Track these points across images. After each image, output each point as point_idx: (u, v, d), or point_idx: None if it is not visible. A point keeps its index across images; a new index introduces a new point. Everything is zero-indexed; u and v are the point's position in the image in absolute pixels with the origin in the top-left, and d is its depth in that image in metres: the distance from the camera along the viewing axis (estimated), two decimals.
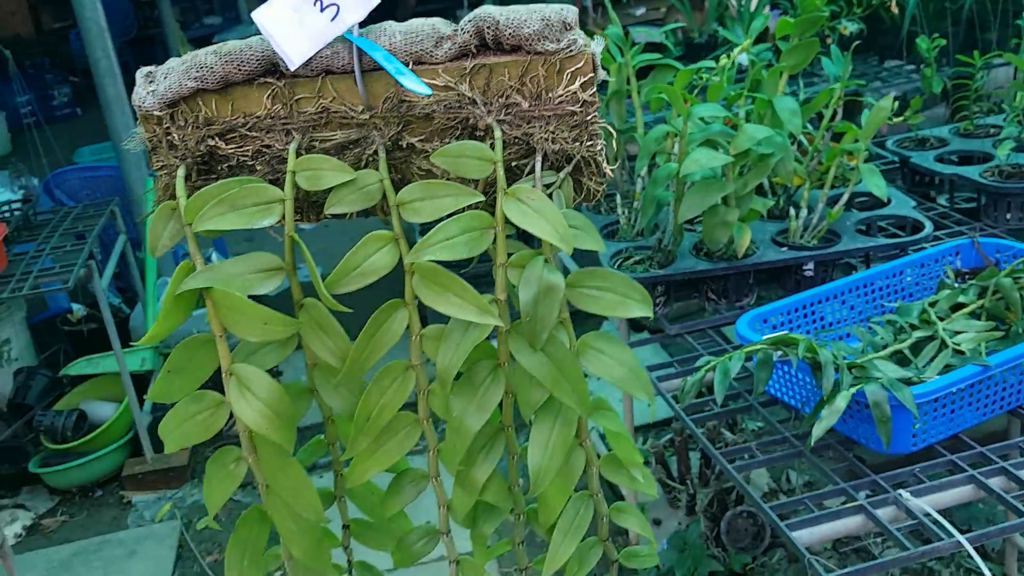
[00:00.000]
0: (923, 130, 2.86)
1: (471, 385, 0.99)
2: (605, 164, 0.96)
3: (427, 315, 1.01)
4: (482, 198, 0.93)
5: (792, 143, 2.11)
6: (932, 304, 1.87)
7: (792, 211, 2.20)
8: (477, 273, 1.01)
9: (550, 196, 0.93)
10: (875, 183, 2.12)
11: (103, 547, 3.33)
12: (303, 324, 0.96)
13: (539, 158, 0.93)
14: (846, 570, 1.45)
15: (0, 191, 4.69)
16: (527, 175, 0.95)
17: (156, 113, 0.90)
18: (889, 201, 2.35)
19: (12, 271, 3.34)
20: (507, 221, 0.92)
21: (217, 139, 0.92)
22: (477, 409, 0.99)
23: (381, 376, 0.99)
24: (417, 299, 0.95)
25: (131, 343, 4.08)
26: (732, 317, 2.23)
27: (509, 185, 0.92)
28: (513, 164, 0.96)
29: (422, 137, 0.93)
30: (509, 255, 0.94)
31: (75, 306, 4.43)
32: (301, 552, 1.02)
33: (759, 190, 2.24)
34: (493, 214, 0.92)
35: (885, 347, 1.81)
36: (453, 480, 1.07)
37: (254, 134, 0.92)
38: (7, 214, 3.91)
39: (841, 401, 1.58)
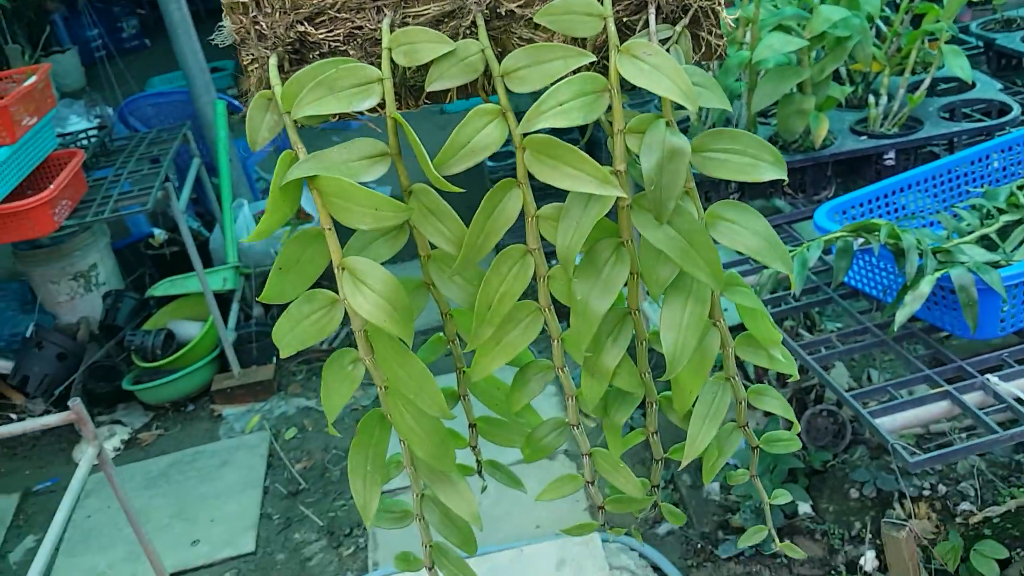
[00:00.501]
0: (1009, 10, 2.71)
1: (594, 266, 0.93)
2: (725, 15, 0.89)
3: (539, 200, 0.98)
4: (594, 58, 0.86)
5: (870, 27, 2.02)
6: (1021, 187, 1.80)
7: (871, 98, 2.12)
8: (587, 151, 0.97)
9: (667, 51, 0.85)
10: (959, 65, 2.02)
11: (197, 458, 3.48)
12: (414, 210, 0.91)
13: (652, 10, 0.87)
14: (932, 453, 1.43)
15: (76, 120, 4.79)
16: (640, 32, 0.88)
17: (242, 1, 0.88)
18: (974, 85, 2.25)
19: (93, 196, 3.43)
20: (623, 82, 0.85)
21: (306, 24, 0.89)
22: (602, 291, 0.93)
23: (498, 263, 0.94)
24: (531, 177, 0.89)
25: (212, 264, 4.19)
26: (809, 212, 2.18)
27: (622, 43, 0.85)
28: (624, 20, 0.88)
29: (521, 2, 0.89)
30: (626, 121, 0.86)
31: (156, 231, 4.54)
32: (425, 452, 0.98)
33: (836, 77, 2.16)
34: (606, 76, 0.85)
35: (971, 232, 1.75)
36: (581, 370, 1.02)
37: (344, 15, 0.89)
38: (84, 141, 4.00)
39: (925, 286, 1.54)
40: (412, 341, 0.93)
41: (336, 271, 0.90)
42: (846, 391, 1.58)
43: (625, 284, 0.96)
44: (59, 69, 8.19)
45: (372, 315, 0.88)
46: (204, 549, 3.02)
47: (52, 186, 3.20)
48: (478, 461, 1.19)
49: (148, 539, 2.39)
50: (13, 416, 3.94)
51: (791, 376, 1.10)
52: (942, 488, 2.48)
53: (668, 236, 0.89)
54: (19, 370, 3.88)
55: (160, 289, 3.93)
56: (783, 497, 1.24)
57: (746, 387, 1.06)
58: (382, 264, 0.91)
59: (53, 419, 2.21)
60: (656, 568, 2.50)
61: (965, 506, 2.41)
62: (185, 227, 3.62)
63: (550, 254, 0.96)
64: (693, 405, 1.03)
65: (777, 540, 1.23)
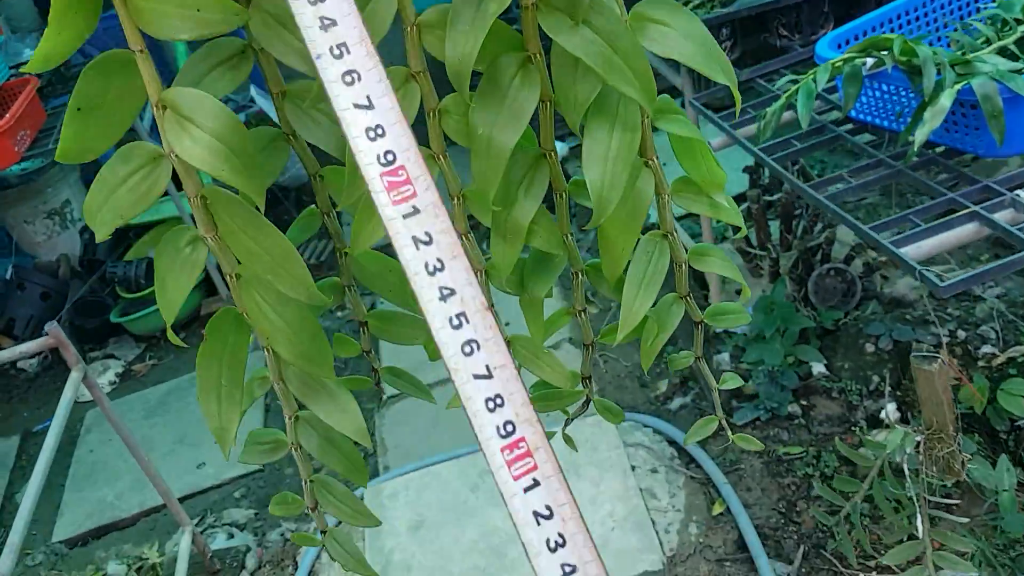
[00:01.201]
0: None
1: (496, 89, 0.73)
2: None
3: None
4: None
5: None
6: None
7: None
8: None
9: None
10: None
11: (194, 383, 3.35)
12: (255, 19, 0.70)
13: None
14: (963, 275, 1.33)
15: (30, 53, 4.57)
16: None
17: None
18: None
19: (53, 124, 3.27)
20: None
21: None
22: (508, 120, 0.73)
23: None
24: None
25: None
26: (807, 53, 2.04)
27: None
28: None
29: None
30: None
31: None
32: (292, 352, 0.78)
33: None
34: None
35: (988, 46, 1.62)
36: (490, 234, 0.82)
37: None
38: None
39: (946, 99, 1.42)
40: (263, 204, 0.72)
41: (156, 112, 0.69)
42: (853, 247, 1.47)
43: (535, 118, 0.75)
44: (12, 12, 7.88)
45: (205, 162, 0.68)
46: (211, 471, 2.96)
47: (7, 115, 3.04)
48: (375, 370, 1.01)
49: (150, 462, 2.32)
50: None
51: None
52: (961, 334, 2.41)
53: (586, 40, 0.70)
54: (3, 314, 3.77)
55: (136, 217, 3.79)
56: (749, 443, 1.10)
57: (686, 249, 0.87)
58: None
59: (31, 346, 2.11)
60: (672, 442, 2.44)
61: (987, 349, 2.33)
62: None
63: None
64: (625, 270, 0.84)
65: (730, 433, 1.09)
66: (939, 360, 1.45)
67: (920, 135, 1.41)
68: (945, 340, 2.36)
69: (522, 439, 0.61)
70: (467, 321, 0.61)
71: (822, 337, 2.58)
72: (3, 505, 3.07)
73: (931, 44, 1.76)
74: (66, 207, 4.10)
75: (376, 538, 2.33)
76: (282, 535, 2.60)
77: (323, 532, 0.99)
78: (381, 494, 2.47)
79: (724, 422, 1.03)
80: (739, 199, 3.31)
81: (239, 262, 0.76)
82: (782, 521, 2.09)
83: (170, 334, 0.79)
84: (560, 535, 0.60)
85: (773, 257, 2.75)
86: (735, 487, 2.22)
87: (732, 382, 1.02)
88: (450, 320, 0.61)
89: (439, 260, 0.62)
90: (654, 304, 0.87)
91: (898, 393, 2.30)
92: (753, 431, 2.38)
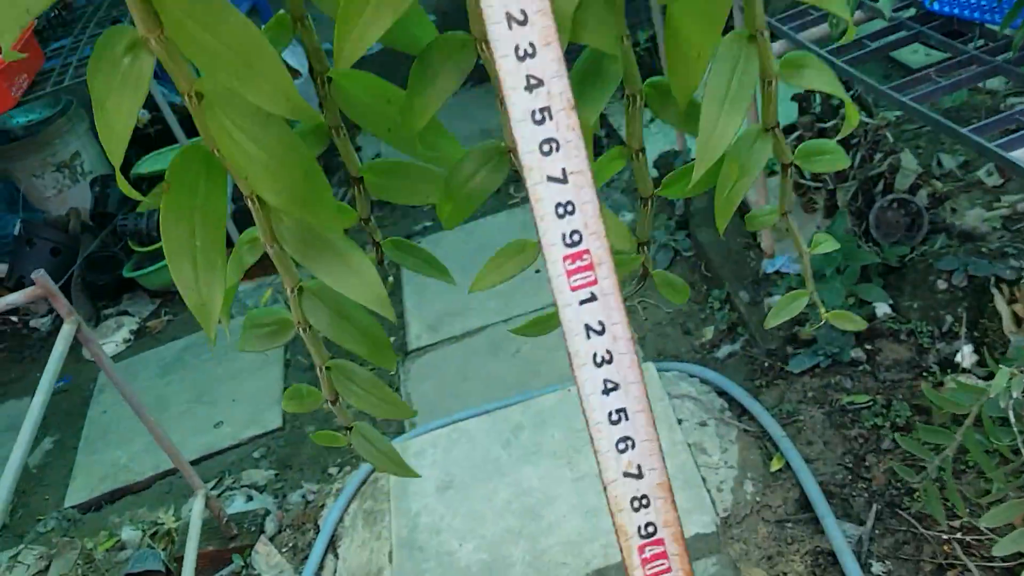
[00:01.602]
0: None
1: None
2: None
3: None
4: None
5: None
6: None
7: None
8: None
9: None
10: None
11: None
12: None
13: None
14: None
15: None
16: None
17: None
18: None
19: (51, 66, 3.08)
20: None
21: None
22: None
23: None
24: None
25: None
26: None
27: None
28: None
29: None
30: None
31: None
32: (279, 192, 0.60)
33: None
34: None
35: None
36: None
37: None
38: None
39: None
40: None
41: None
42: (917, 176, 1.24)
43: None
44: None
45: None
46: (228, 430, 2.80)
47: (2, 58, 2.86)
48: (377, 245, 0.81)
49: (157, 425, 2.15)
50: (15, 319, 3.71)
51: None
52: None
53: None
54: (13, 271, 3.62)
55: (145, 165, 3.62)
56: (848, 322, 0.90)
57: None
58: None
59: (18, 297, 1.94)
60: (721, 392, 2.23)
61: None
62: (163, 99, 3.28)
63: None
64: (703, 81, 0.64)
65: (822, 309, 0.88)
66: None
67: (1019, 36, 1.17)
68: None
69: (587, 251, 0.57)
70: (550, 117, 0.55)
71: (885, 275, 2.35)
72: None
73: None
74: (76, 159, 3.92)
75: (402, 499, 2.16)
76: (303, 497, 2.44)
77: (348, 429, 0.85)
78: (407, 452, 2.29)
79: (815, 297, 0.83)
80: (789, 129, 3.06)
81: (198, 74, 0.57)
82: (849, 477, 1.88)
83: (120, 182, 0.62)
84: (608, 352, 0.59)
85: (829, 189, 2.51)
86: (794, 440, 2.01)
87: (827, 245, 0.83)
88: (532, 114, 0.55)
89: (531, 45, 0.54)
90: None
91: (975, 334, 2.07)
92: (812, 379, 2.17)
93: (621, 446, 0.61)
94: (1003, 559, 1.54)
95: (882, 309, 2.26)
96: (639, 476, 0.60)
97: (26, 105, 4.11)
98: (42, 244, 3.63)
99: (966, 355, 2.05)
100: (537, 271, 2.17)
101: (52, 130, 3.83)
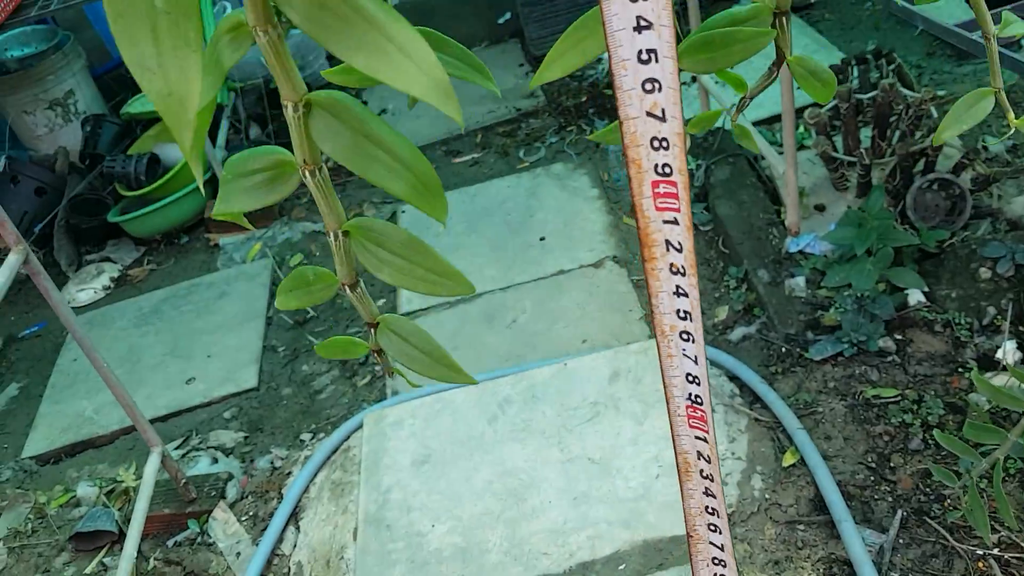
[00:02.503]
0: None
1: None
2: None
3: None
4: None
5: None
6: None
7: None
8: None
9: None
10: None
11: (193, 291, 3.05)
12: None
13: None
14: None
15: None
16: None
17: None
18: None
19: None
20: None
21: None
22: None
23: None
24: None
25: None
26: None
27: None
28: None
29: None
30: None
31: None
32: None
33: None
34: None
35: None
36: None
37: None
38: None
39: None
40: None
41: None
42: (957, 162, 1.02)
43: None
44: None
45: None
46: (200, 387, 2.62)
47: None
48: None
49: (111, 373, 1.96)
50: None
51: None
52: None
53: None
54: None
55: (137, 105, 3.44)
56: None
57: None
58: None
59: None
60: (732, 377, 2.02)
61: None
62: None
63: None
64: None
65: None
66: None
67: None
68: None
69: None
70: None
71: (920, 261, 2.13)
72: None
73: None
74: (69, 97, 3.74)
75: (374, 471, 1.96)
76: (271, 463, 2.25)
77: (372, 326, 0.66)
78: (383, 421, 2.09)
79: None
80: (818, 105, 2.84)
81: None
82: (872, 479, 1.68)
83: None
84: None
85: (864, 165, 2.29)
86: (811, 434, 1.81)
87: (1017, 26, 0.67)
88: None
89: None
90: None
91: (1021, 329, 1.86)
92: (834, 369, 1.96)
93: (648, 86, 0.57)
94: None
95: (916, 297, 2.05)
96: (662, 119, 0.58)
97: (22, 39, 3.94)
98: (27, 182, 3.45)
99: (1009, 351, 1.84)
100: (542, 238, 1.96)
101: (46, 65, 3.64)
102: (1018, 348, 1.83)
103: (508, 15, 4.07)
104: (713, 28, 0.63)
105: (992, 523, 1.46)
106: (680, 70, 0.58)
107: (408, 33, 0.42)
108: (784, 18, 0.64)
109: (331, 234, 0.56)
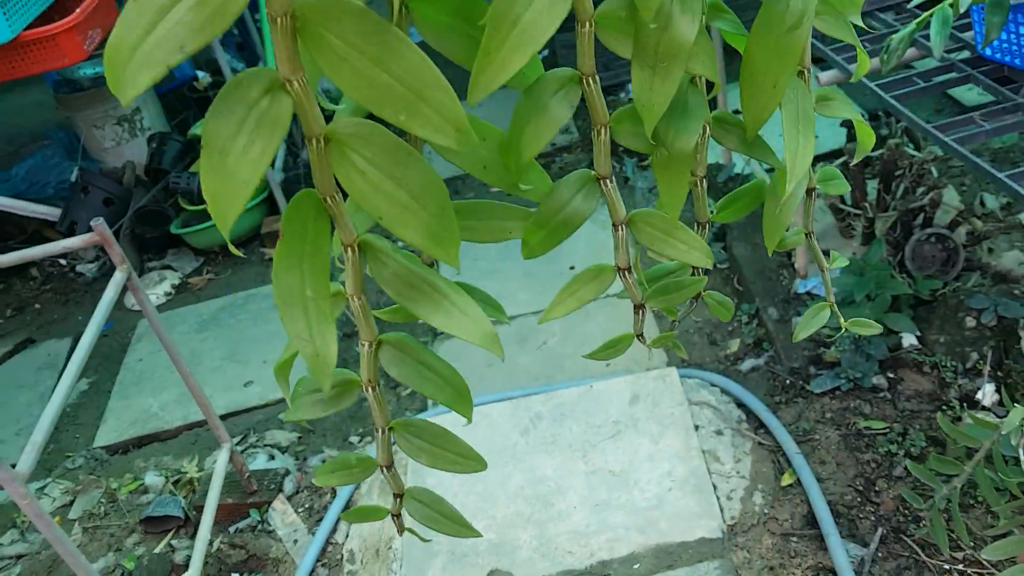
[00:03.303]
0: None
1: None
2: None
3: None
4: None
5: None
6: None
7: None
8: None
9: None
10: None
11: (249, 301, 3.33)
12: None
13: None
14: None
15: None
16: None
17: None
18: None
19: None
20: None
21: None
22: None
23: None
24: None
25: None
26: None
27: None
28: None
29: None
30: None
31: (200, 73, 4.31)
32: (417, 230, 0.60)
33: None
34: None
35: None
36: (631, 69, 0.64)
37: None
38: None
39: None
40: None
41: None
42: (955, 216, 1.27)
43: None
44: None
45: None
46: (257, 390, 2.88)
47: (78, 10, 2.96)
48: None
49: (191, 376, 2.23)
50: (63, 262, 3.83)
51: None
52: None
53: None
54: (67, 216, 3.74)
55: (199, 128, 3.71)
56: (867, 328, 0.92)
57: None
58: None
59: (75, 241, 2.01)
60: (740, 404, 2.27)
61: None
62: (227, 66, 3.37)
63: None
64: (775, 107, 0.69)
65: (841, 319, 0.92)
66: None
67: None
68: None
69: None
70: None
71: (915, 307, 2.37)
72: None
73: None
74: (136, 115, 4.03)
75: (419, 472, 2.22)
76: (323, 461, 2.51)
77: (398, 496, 0.79)
78: None
79: (834, 308, 0.88)
80: (834, 155, 3.08)
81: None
82: (858, 500, 1.91)
83: (227, 241, 0.57)
84: None
85: (869, 217, 2.53)
86: (807, 458, 2.05)
87: (839, 261, 0.89)
88: None
89: None
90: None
91: (999, 374, 2.09)
92: (832, 401, 2.20)
93: None
94: None
95: (909, 340, 2.29)
96: None
97: (96, 58, 4.24)
98: (96, 193, 3.74)
99: (987, 393, 2.07)
100: (571, 267, 2.28)
101: None
102: (996, 391, 2.06)
103: (547, 51, 4.33)
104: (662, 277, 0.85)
105: (959, 541, 1.69)
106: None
107: (464, 298, 0.66)
108: (606, 182, 0.81)
109: (379, 429, 0.73)
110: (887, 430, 2.06)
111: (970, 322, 2.23)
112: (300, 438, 2.66)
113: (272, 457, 2.59)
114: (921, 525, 1.79)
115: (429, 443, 0.76)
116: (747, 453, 2.10)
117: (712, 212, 0.82)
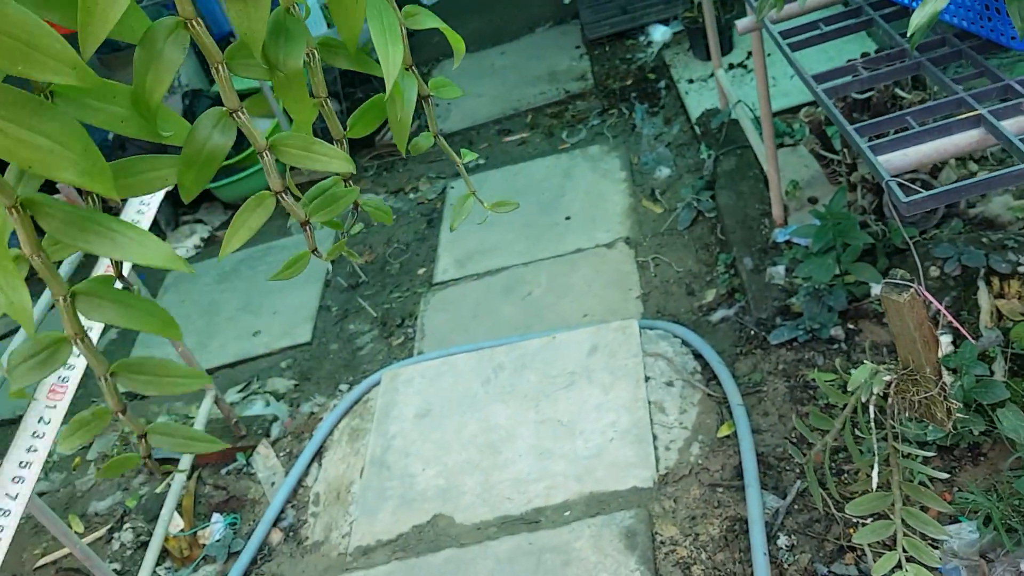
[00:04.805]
0: None
1: None
2: None
3: None
4: None
5: None
6: None
7: None
8: None
9: None
10: None
11: (267, 253, 3.47)
12: None
13: None
14: (933, 191, 1.10)
15: None
16: None
17: None
18: None
19: None
20: None
21: None
22: None
23: None
24: None
25: None
26: None
27: None
28: None
29: None
30: None
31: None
32: (68, 171, 0.68)
33: None
34: None
35: None
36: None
37: None
38: None
39: None
40: None
41: None
42: (853, 127, 1.25)
43: None
44: None
45: None
46: (264, 339, 3.03)
47: None
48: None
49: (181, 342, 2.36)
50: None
51: None
52: None
53: None
54: None
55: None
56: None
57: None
58: None
59: None
60: (698, 356, 2.27)
61: None
62: None
63: None
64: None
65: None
66: (911, 290, 1.23)
67: (917, 19, 1.16)
68: (1022, 270, 2.05)
69: None
70: None
71: (891, 255, 2.31)
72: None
73: None
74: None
75: (383, 421, 2.32)
76: (311, 409, 2.64)
77: (142, 437, 0.84)
78: (397, 379, 2.44)
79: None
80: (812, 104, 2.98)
81: None
82: (789, 453, 1.91)
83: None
84: None
85: (848, 164, 2.46)
86: (753, 410, 2.05)
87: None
88: None
89: None
90: None
91: (955, 324, 2.03)
92: (788, 352, 2.18)
93: None
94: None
95: (876, 290, 2.23)
96: None
97: None
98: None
99: (943, 345, 2.02)
100: (567, 218, 2.34)
101: None
102: (951, 343, 2.01)
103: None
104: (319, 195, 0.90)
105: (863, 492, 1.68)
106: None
107: (140, 231, 0.71)
108: (238, 114, 0.85)
109: (101, 378, 0.80)
110: (833, 382, 2.03)
111: (934, 272, 2.16)
112: (296, 386, 2.79)
113: (268, 404, 2.73)
114: (843, 480, 1.79)
115: (153, 375, 0.84)
116: (694, 404, 2.12)
117: (346, 129, 0.89)
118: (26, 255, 0.76)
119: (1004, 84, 1.22)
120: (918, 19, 1.17)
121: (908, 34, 1.21)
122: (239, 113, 0.80)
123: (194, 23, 0.73)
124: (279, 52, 0.79)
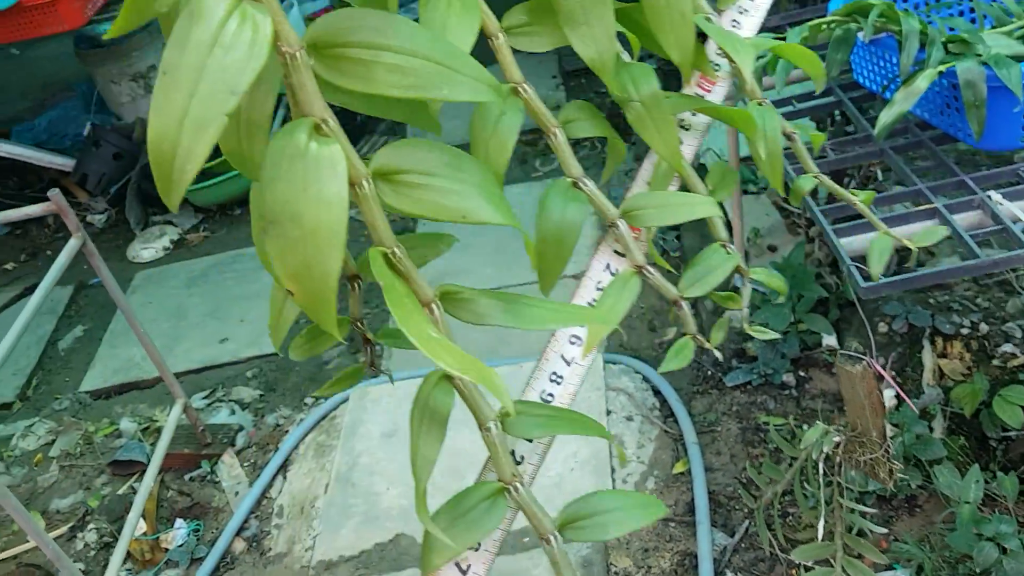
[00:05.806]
0: None
1: None
2: None
3: None
4: None
5: None
6: None
7: None
8: None
9: None
10: None
11: (237, 260, 3.51)
12: None
13: None
14: (890, 279, 1.22)
15: None
16: None
17: None
18: None
19: None
20: None
21: None
22: None
23: None
24: None
25: None
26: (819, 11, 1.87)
27: None
28: None
29: None
30: None
31: None
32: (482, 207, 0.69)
33: None
34: None
35: (1014, 22, 1.44)
36: None
37: None
38: None
39: (923, 81, 1.27)
40: None
41: None
42: (819, 208, 1.36)
43: None
44: None
45: None
46: (231, 347, 3.07)
47: None
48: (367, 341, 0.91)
49: (146, 336, 2.41)
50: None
51: None
52: (984, 327, 2.23)
53: None
54: (79, 168, 3.95)
55: None
56: (762, 334, 1.00)
57: None
58: None
59: (33, 209, 2.20)
60: (657, 392, 2.38)
61: (1007, 348, 2.16)
62: None
63: None
64: None
65: (746, 325, 0.99)
66: (863, 363, 1.35)
67: (885, 117, 1.28)
68: (964, 332, 2.20)
69: None
70: None
71: (843, 307, 2.44)
72: (45, 350, 3.27)
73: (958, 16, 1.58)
74: (151, 72, 4.21)
75: (350, 439, 2.39)
76: (276, 421, 2.69)
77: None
78: (365, 397, 2.51)
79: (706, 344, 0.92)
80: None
81: None
82: (739, 492, 2.03)
83: None
84: None
85: (807, 217, 2.59)
86: (706, 449, 2.16)
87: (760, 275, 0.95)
88: None
89: None
90: None
91: (898, 380, 2.17)
92: (742, 395, 2.30)
93: None
94: None
95: (828, 340, 2.37)
96: None
97: (115, 17, 4.42)
98: (107, 147, 3.94)
99: (887, 397, 2.15)
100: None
101: (132, 42, 4.10)
102: (895, 397, 2.14)
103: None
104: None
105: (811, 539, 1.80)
106: None
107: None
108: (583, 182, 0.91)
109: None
110: (782, 427, 2.15)
111: (883, 327, 2.30)
112: (262, 396, 2.85)
113: (233, 412, 2.78)
114: (788, 523, 1.90)
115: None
116: (651, 440, 2.22)
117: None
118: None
119: (958, 179, 1.34)
120: (885, 118, 1.29)
121: (876, 131, 1.33)
122: (583, 182, 0.81)
123: (524, 88, 0.76)
124: (630, 81, 0.78)
